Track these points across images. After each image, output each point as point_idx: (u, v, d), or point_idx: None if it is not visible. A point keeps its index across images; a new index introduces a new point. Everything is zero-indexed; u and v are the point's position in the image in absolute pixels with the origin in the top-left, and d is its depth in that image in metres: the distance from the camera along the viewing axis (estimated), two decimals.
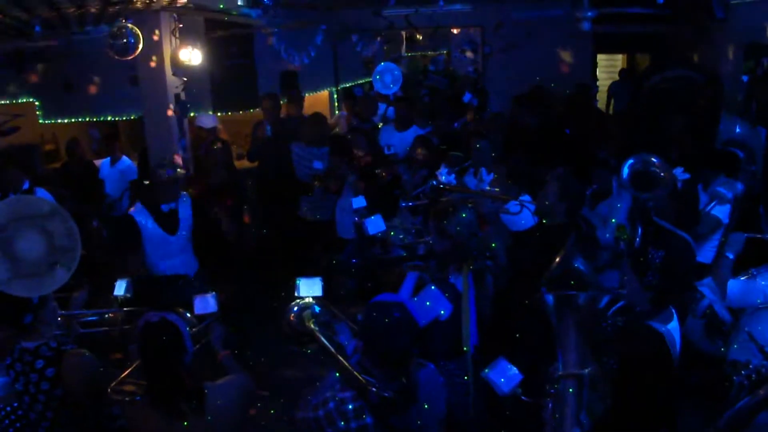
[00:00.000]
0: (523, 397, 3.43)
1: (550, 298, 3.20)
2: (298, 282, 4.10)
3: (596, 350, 3.05)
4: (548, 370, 3.47)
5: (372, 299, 3.62)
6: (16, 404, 4.17)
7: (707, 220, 5.96)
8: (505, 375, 3.48)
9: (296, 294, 4.06)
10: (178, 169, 6.58)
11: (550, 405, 2.96)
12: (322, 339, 3.77)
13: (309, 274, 4.18)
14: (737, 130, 7.12)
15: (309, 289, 4.06)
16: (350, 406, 3.34)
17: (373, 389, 3.32)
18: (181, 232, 6.54)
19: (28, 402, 4.04)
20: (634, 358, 2.99)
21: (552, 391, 2.99)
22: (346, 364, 3.52)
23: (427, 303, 4.48)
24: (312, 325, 3.86)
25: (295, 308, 3.99)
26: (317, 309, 3.98)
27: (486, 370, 3.58)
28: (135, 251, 6.47)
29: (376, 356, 3.45)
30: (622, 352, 3.03)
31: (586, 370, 2.88)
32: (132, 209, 6.52)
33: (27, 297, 4.01)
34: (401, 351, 3.44)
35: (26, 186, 7.65)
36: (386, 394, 3.31)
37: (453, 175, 6.36)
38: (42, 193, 7.67)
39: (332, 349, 3.69)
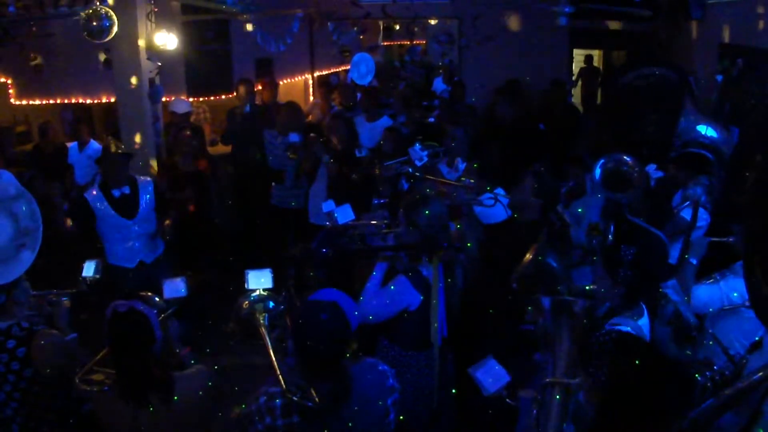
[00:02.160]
0: (508, 400, 3.36)
1: (546, 301, 3.17)
2: (246, 274, 3.89)
3: (587, 360, 3.02)
4: (532, 378, 3.44)
5: (310, 296, 3.40)
6: None
7: (676, 221, 5.92)
8: (492, 375, 3.37)
9: (246, 287, 3.85)
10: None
11: (534, 412, 2.90)
12: (265, 334, 3.59)
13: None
14: (710, 133, 7.02)
15: (258, 281, 3.87)
16: (278, 402, 3.19)
17: (294, 398, 3.14)
18: (140, 217, 6.40)
19: None
20: (626, 372, 2.96)
21: (539, 397, 2.94)
22: (275, 363, 3.33)
23: (397, 293, 4.48)
24: (261, 320, 3.67)
25: (246, 302, 3.80)
26: (271, 304, 3.78)
27: (473, 368, 3.45)
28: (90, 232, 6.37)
29: (303, 356, 3.26)
30: (613, 365, 2.99)
31: (575, 380, 2.86)
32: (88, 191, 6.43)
33: None
34: (327, 354, 3.22)
35: None
36: (308, 404, 3.12)
37: (426, 152, 6.33)
38: (7, 175, 7.56)
39: (269, 346, 3.51)
